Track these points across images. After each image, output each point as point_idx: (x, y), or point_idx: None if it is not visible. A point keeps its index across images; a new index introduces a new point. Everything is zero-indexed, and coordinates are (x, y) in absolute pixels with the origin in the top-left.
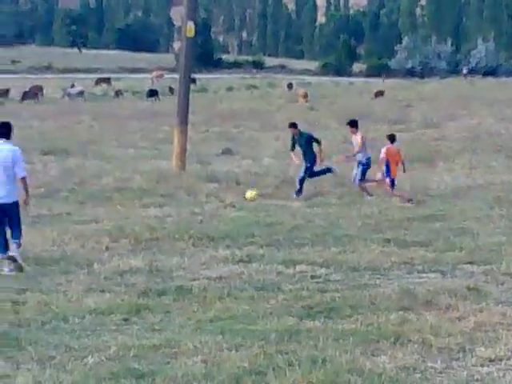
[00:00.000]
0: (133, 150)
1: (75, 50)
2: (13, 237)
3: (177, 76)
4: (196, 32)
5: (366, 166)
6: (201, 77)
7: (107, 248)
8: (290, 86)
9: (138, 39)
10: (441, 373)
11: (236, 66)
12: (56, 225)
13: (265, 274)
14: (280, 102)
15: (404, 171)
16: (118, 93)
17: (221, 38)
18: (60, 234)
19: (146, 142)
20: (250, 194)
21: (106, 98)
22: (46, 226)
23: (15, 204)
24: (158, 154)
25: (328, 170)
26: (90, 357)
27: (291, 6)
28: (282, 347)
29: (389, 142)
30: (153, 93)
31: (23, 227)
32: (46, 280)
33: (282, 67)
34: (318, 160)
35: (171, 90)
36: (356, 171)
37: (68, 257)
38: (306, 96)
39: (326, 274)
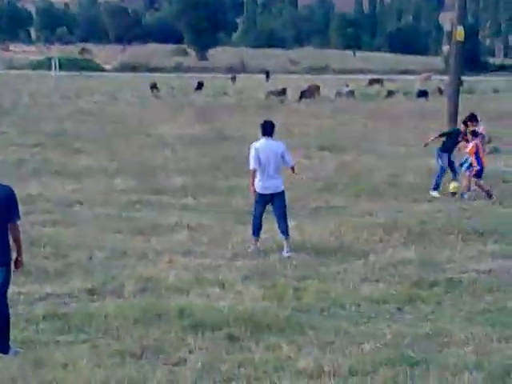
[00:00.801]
0: (404, 148)
1: (350, 52)
2: (280, 227)
3: (445, 78)
4: (465, 36)
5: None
6: (468, 79)
7: (381, 240)
8: None
9: (408, 42)
10: None
11: (502, 69)
12: (333, 217)
13: None
14: None
15: None
16: (389, 93)
17: (487, 42)
18: (337, 226)
19: (416, 140)
20: (452, 186)
21: (379, 98)
22: (324, 217)
23: (283, 193)
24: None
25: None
26: (366, 343)
27: None
28: None
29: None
30: (423, 93)
31: (303, 219)
32: (323, 268)
33: None
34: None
35: (440, 90)
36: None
37: (344, 247)
38: None
39: None
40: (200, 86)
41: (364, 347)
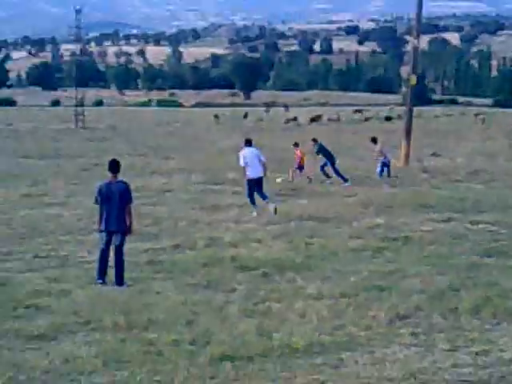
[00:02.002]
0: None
1: (342, 92)
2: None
3: (403, 108)
4: (416, 81)
5: None
6: (417, 108)
7: (361, 212)
8: None
9: (380, 85)
10: None
11: (440, 102)
12: (329, 198)
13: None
14: None
15: None
16: (366, 119)
17: (431, 85)
18: (332, 203)
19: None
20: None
21: (360, 122)
22: (324, 198)
23: (263, 177)
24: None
25: None
26: (351, 277)
27: None
28: None
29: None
30: (388, 118)
31: (311, 199)
32: (324, 231)
33: None
34: None
35: (399, 116)
36: None
37: (338, 217)
38: None
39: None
40: (246, 115)
41: (350, 280)
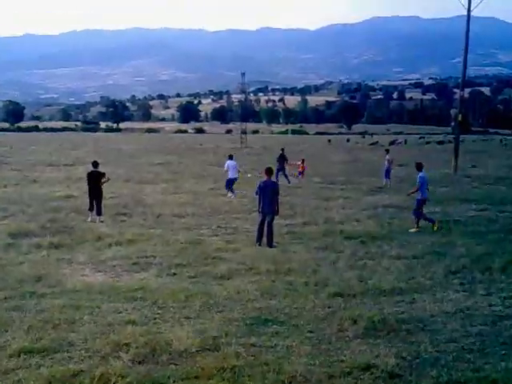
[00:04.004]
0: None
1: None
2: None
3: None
4: (462, 118)
5: None
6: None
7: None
8: None
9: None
10: None
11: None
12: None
13: None
14: None
15: None
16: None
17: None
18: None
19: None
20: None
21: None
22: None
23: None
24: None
25: None
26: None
27: None
28: None
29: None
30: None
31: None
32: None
33: None
34: None
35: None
36: None
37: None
38: None
39: None
40: (348, 140)
41: (418, 247)
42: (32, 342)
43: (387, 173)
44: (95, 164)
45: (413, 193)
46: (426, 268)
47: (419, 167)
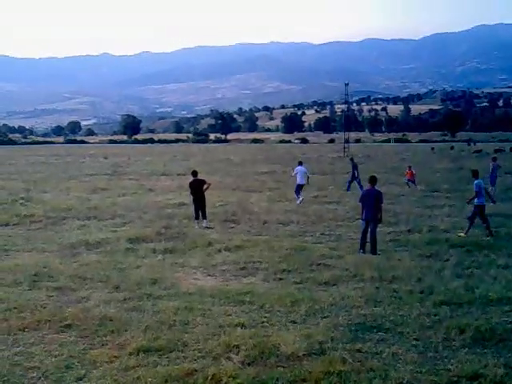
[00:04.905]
0: None
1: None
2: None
3: None
4: None
5: None
6: None
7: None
8: None
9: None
10: None
11: None
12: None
13: None
14: None
15: None
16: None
17: None
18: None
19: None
20: None
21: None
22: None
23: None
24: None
25: None
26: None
27: None
28: None
29: None
30: None
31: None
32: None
33: None
34: None
35: None
36: None
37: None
38: None
39: None
40: (452, 147)
41: (451, 259)
42: (149, 342)
43: (492, 180)
44: (195, 173)
45: (471, 200)
46: None
47: (475, 174)
